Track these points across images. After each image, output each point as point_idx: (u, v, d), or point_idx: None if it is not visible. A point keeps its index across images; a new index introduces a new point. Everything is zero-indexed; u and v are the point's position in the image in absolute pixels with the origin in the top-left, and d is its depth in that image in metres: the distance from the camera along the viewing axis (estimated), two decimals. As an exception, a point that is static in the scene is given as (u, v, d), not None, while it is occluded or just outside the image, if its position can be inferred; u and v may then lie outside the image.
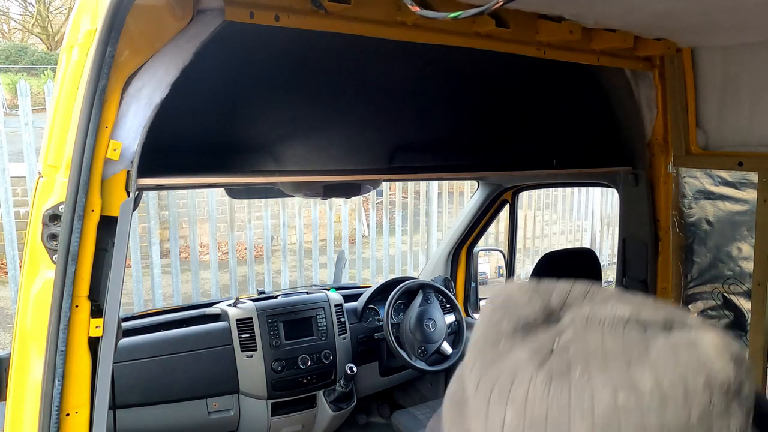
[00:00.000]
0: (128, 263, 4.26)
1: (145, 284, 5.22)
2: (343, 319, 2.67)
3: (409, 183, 7.22)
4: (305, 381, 2.51)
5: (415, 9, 0.81)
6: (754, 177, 1.74)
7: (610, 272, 6.25)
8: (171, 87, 1.12)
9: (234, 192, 2.06)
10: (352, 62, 1.52)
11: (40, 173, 1.13)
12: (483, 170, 1.86)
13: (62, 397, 1.04)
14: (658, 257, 1.98)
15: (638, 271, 1.99)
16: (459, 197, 7.38)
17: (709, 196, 1.88)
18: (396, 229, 6.39)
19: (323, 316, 2.60)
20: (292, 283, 6.03)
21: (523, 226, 7.53)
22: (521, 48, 1.51)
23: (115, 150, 1.06)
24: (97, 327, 1.07)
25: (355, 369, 2.51)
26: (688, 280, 1.98)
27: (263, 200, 5.58)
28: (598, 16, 1.44)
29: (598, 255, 2.17)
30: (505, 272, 3.15)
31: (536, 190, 5.90)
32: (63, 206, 1.02)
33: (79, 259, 1.03)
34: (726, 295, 1.87)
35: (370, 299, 2.84)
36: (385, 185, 6.09)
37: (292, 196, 1.85)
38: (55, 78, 1.38)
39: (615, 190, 2.09)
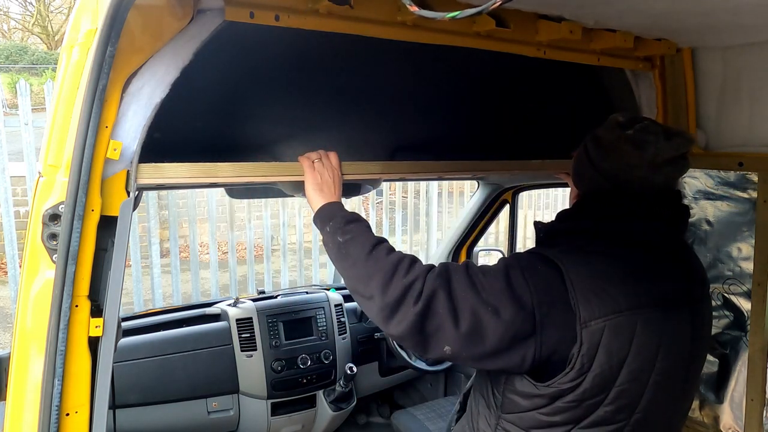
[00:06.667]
0: (128, 263, 4.26)
1: (145, 284, 5.22)
2: (343, 319, 2.67)
3: (409, 183, 7.22)
4: (305, 381, 2.51)
5: (414, 9, 0.81)
6: (754, 177, 1.75)
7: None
8: (171, 87, 1.12)
9: (234, 192, 2.05)
10: (352, 62, 1.52)
11: (40, 173, 1.13)
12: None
13: (62, 396, 1.03)
14: (658, 257, 1.97)
15: (638, 271, 1.98)
16: (459, 197, 7.38)
17: (709, 196, 1.88)
18: (396, 228, 6.39)
19: (323, 316, 2.60)
20: (292, 282, 6.02)
21: (523, 226, 7.53)
22: (521, 48, 1.51)
23: (115, 150, 1.06)
24: (97, 327, 1.07)
25: (354, 369, 2.51)
26: (688, 280, 1.98)
27: (263, 200, 5.57)
28: (598, 16, 1.44)
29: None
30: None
31: (536, 190, 5.90)
32: (63, 206, 1.02)
33: (79, 259, 1.03)
34: (726, 295, 1.87)
35: (370, 299, 2.83)
36: (385, 185, 6.08)
37: (292, 196, 1.84)
38: (55, 78, 1.38)
39: (615, 190, 2.09)
